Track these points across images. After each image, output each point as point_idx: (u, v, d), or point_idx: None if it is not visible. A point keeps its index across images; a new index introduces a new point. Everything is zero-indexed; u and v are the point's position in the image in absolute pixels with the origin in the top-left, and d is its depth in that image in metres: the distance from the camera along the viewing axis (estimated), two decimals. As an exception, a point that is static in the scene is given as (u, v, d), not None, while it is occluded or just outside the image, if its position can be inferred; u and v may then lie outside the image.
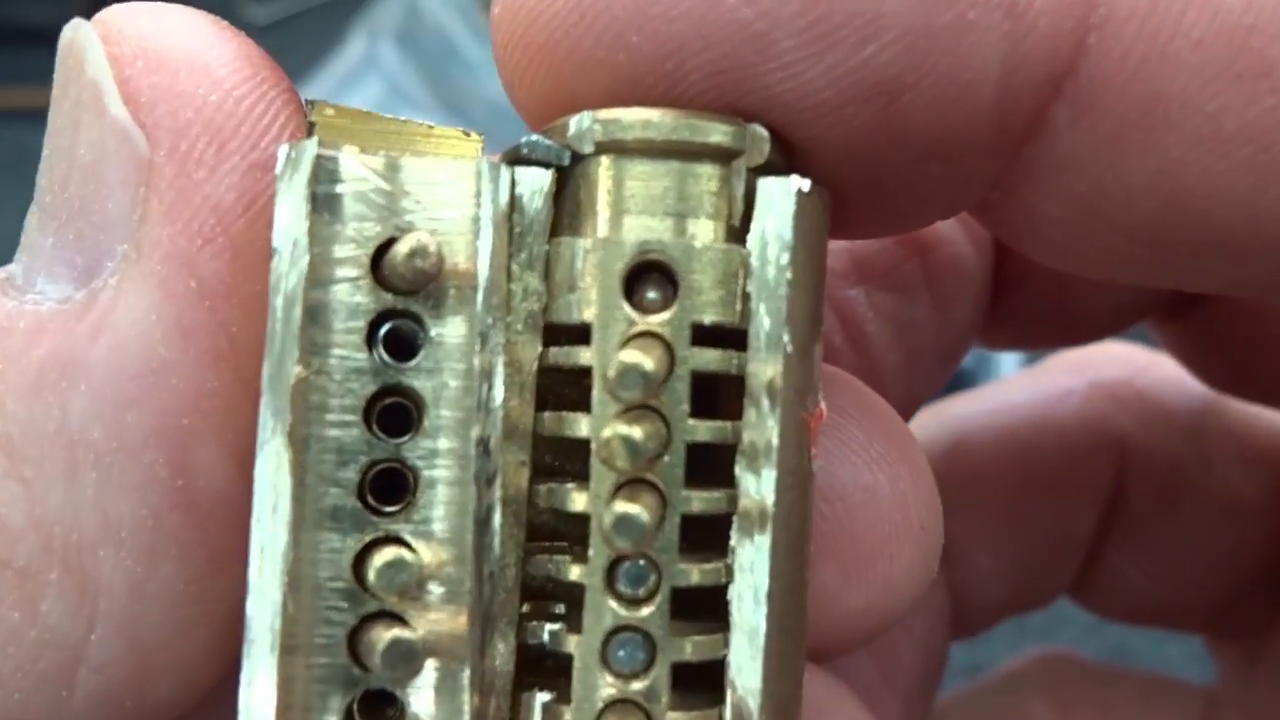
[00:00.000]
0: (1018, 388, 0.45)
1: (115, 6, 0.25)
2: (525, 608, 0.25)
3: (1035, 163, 0.26)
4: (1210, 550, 0.43)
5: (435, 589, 0.23)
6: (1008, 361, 0.89)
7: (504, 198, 0.24)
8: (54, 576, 0.24)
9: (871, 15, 0.23)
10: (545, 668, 0.25)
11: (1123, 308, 0.40)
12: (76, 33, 0.25)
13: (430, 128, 0.26)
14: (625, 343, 0.24)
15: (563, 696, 0.24)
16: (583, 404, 0.24)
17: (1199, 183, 0.25)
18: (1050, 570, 0.44)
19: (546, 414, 0.25)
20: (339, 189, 0.23)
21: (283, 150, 0.23)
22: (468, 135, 0.26)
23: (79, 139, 0.24)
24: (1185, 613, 0.45)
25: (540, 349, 0.25)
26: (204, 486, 0.24)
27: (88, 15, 0.25)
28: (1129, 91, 0.25)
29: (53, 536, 0.23)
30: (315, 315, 0.22)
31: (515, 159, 0.25)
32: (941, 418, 0.44)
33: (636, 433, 0.23)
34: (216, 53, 0.25)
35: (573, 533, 0.25)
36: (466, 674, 0.23)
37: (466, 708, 0.23)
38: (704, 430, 0.24)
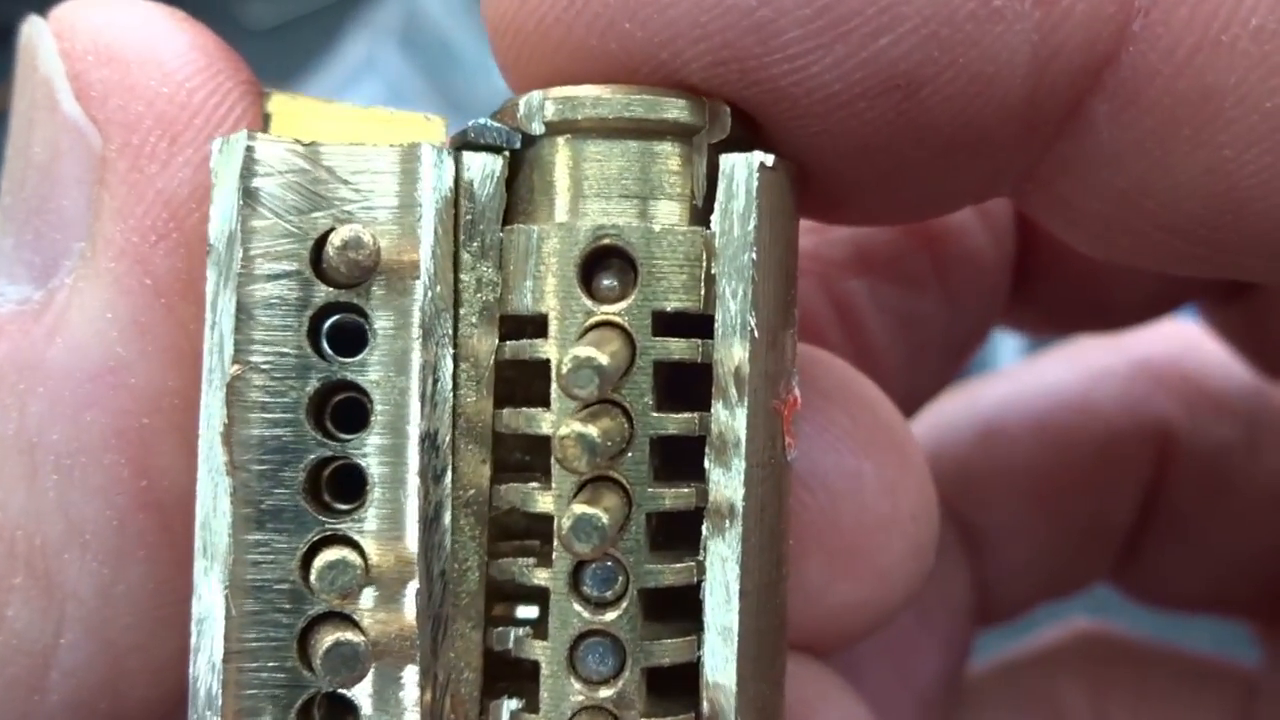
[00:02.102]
0: (1054, 368, 0.42)
1: (69, 2, 0.25)
2: (498, 609, 0.25)
3: (1071, 157, 0.24)
4: (1258, 539, 0.40)
5: (383, 589, 0.22)
6: (1006, 354, 0.84)
7: (447, 184, 0.23)
8: (18, 581, 0.23)
9: (886, 3, 0.21)
10: (515, 672, 0.24)
11: (1163, 293, 0.37)
12: (30, 30, 0.25)
13: (391, 113, 0.26)
14: (583, 334, 0.23)
15: (532, 704, 0.23)
16: (548, 398, 0.23)
17: (1256, 183, 0.23)
18: (1086, 558, 0.42)
19: (506, 410, 0.24)
20: (272, 182, 0.22)
21: (215, 144, 0.22)
22: (429, 119, 0.25)
23: (34, 137, 0.24)
24: (1229, 600, 0.42)
25: (497, 342, 0.24)
26: (168, 486, 0.24)
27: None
28: (1178, 84, 0.22)
29: (15, 541, 0.23)
30: (251, 311, 0.22)
31: (463, 144, 0.24)
32: (971, 402, 0.42)
33: (593, 431, 0.22)
34: (169, 44, 0.24)
35: (542, 532, 0.24)
36: (415, 675, 0.22)
37: (417, 710, 0.22)
38: (669, 423, 0.23)
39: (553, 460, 0.23)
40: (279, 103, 0.25)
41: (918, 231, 0.35)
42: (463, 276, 0.23)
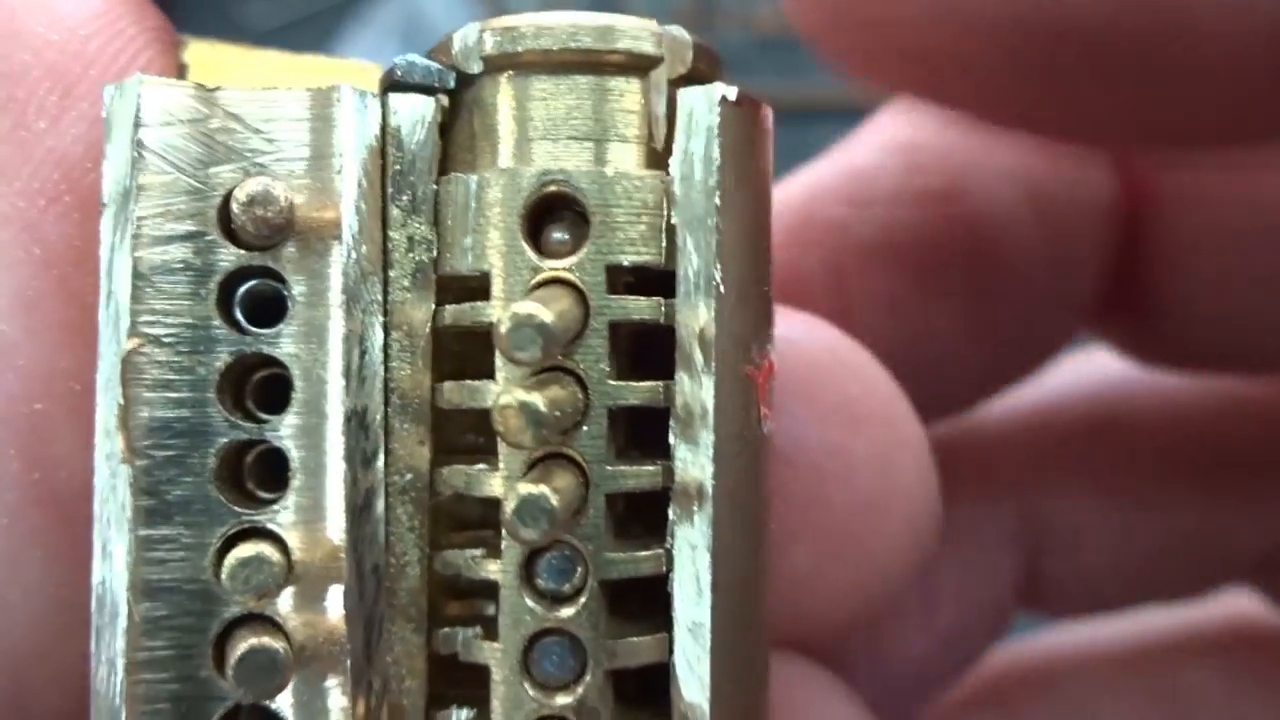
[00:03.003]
0: None
1: None
2: (450, 608, 0.22)
3: None
4: None
5: (306, 588, 0.20)
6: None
7: (372, 131, 0.20)
8: None
9: None
10: (464, 678, 0.22)
11: None
12: None
13: (324, 60, 0.23)
14: (529, 294, 0.20)
15: (484, 713, 0.21)
16: (494, 370, 0.21)
17: None
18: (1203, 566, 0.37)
19: (448, 385, 0.21)
20: (172, 132, 0.20)
21: (108, 90, 0.20)
22: (364, 67, 0.23)
23: None
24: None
25: (434, 307, 0.21)
26: (66, 478, 0.21)
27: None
28: None
29: None
30: (150, 278, 0.19)
31: (390, 85, 0.21)
32: (1090, 375, 0.37)
33: (538, 400, 0.19)
34: None
35: (493, 516, 0.22)
36: (345, 684, 0.20)
37: None
38: (629, 393, 0.20)
39: (499, 440, 0.20)
40: (197, 51, 0.23)
41: (955, 231, 0.32)
42: (392, 235, 0.21)
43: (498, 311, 0.20)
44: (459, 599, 0.22)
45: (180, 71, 0.22)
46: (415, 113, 0.21)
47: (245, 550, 0.19)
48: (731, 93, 0.20)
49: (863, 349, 0.25)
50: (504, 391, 0.19)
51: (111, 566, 0.19)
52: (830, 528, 0.24)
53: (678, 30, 0.21)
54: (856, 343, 0.25)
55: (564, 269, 0.20)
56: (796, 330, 0.24)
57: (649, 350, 0.21)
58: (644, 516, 0.21)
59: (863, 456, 0.24)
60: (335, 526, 0.20)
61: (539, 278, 0.20)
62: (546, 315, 0.19)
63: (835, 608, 0.25)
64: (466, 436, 0.22)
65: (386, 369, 0.21)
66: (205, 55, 0.23)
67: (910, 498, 0.24)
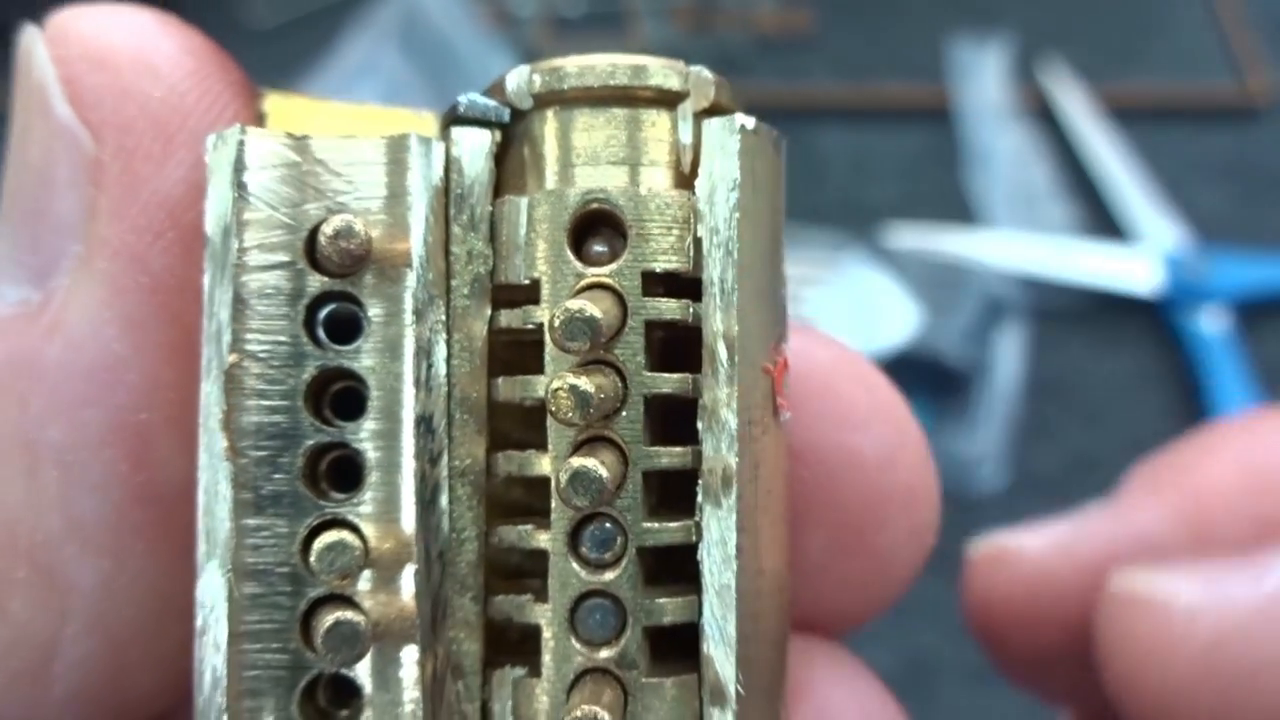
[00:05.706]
0: None
1: (64, 10, 0.25)
2: (499, 586, 0.25)
3: None
4: None
5: (381, 571, 0.23)
6: (1004, 363, 0.80)
7: (437, 173, 0.23)
8: (21, 575, 0.24)
9: None
10: (516, 644, 0.24)
11: None
12: (25, 37, 0.25)
13: (384, 110, 0.26)
14: (574, 296, 0.23)
15: (535, 670, 0.24)
16: (543, 369, 0.24)
17: None
18: None
19: (502, 380, 0.24)
20: (266, 175, 0.23)
21: (210, 139, 0.23)
22: (420, 115, 0.26)
23: (29, 141, 0.25)
24: None
25: (490, 313, 0.24)
26: (166, 480, 0.24)
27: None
28: None
29: (17, 535, 0.24)
30: (248, 301, 0.22)
31: (453, 119, 0.24)
32: None
33: (585, 383, 0.22)
34: (160, 49, 0.25)
35: (539, 503, 0.25)
36: (415, 654, 0.23)
37: (417, 689, 0.23)
38: (662, 382, 0.23)
39: (548, 421, 0.23)
40: (274, 102, 0.26)
41: None
42: (453, 249, 0.24)
43: (547, 313, 0.23)
44: (508, 579, 0.25)
45: (260, 120, 0.25)
46: (475, 144, 0.24)
47: (330, 537, 0.22)
48: (750, 122, 0.23)
49: (865, 358, 0.28)
50: (555, 377, 0.22)
51: (215, 551, 0.22)
52: (842, 520, 0.27)
53: (701, 69, 0.24)
54: (860, 353, 0.28)
55: (605, 275, 0.23)
56: (806, 343, 0.27)
57: (676, 351, 0.24)
58: (674, 494, 0.24)
59: (870, 456, 0.27)
60: (407, 517, 0.23)
61: (583, 283, 0.23)
62: (594, 310, 0.22)
63: (849, 595, 0.27)
64: (514, 434, 0.25)
65: (448, 370, 0.24)
66: (280, 105, 0.26)
67: (914, 492, 0.27)
